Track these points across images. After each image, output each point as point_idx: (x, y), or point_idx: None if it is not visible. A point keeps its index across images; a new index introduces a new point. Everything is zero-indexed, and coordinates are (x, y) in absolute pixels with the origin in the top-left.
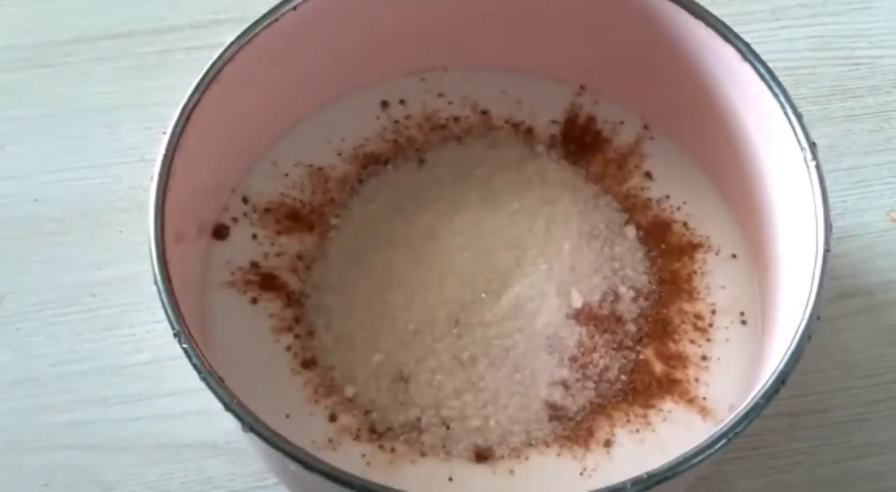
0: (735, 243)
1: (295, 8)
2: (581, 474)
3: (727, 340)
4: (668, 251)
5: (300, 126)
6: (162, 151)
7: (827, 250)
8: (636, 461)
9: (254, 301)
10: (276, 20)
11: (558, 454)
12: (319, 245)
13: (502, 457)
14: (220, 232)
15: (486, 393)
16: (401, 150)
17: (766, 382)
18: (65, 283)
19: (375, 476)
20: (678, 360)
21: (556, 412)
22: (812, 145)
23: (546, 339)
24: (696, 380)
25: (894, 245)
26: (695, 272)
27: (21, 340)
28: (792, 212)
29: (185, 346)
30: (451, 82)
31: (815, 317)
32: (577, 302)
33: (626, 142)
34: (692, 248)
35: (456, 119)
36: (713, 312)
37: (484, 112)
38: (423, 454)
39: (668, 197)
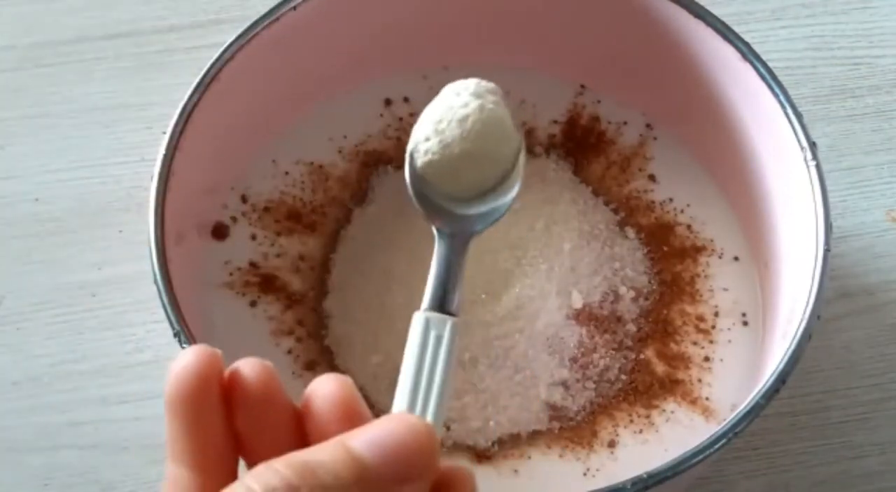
0: (738, 246)
1: (295, 8)
2: (585, 474)
3: (729, 342)
4: (671, 253)
5: (301, 124)
6: (162, 151)
7: (827, 250)
8: (639, 462)
9: (253, 304)
10: (276, 20)
11: (560, 455)
12: (322, 247)
13: (504, 457)
14: (219, 231)
15: (486, 394)
16: (403, 148)
17: (767, 381)
18: (65, 283)
19: None
20: (680, 360)
21: (556, 413)
22: (812, 145)
23: (546, 339)
24: (699, 381)
25: (894, 245)
26: (698, 275)
27: (21, 340)
28: (792, 212)
29: (185, 346)
30: (453, 80)
31: (816, 317)
32: (578, 302)
33: (630, 143)
34: (696, 251)
35: None
36: (716, 314)
37: None
38: None
39: (671, 199)
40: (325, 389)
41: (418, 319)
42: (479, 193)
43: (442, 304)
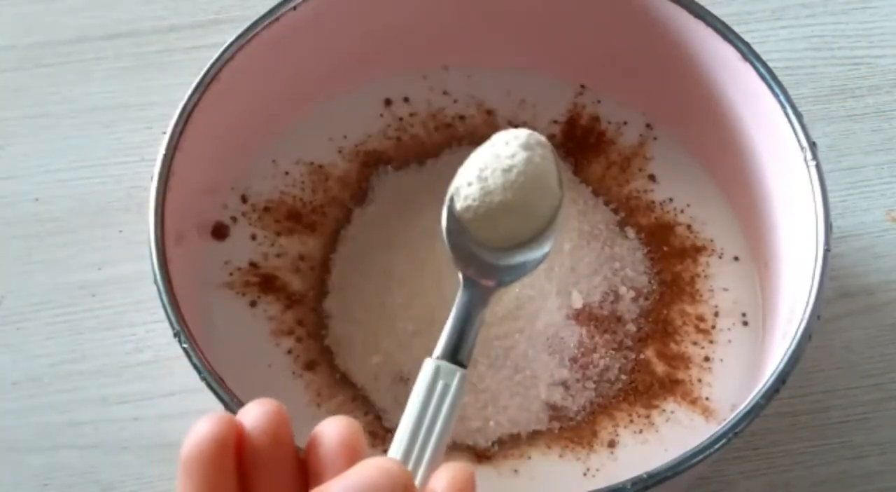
0: (738, 246)
1: (295, 8)
2: (585, 474)
3: (729, 342)
4: (671, 253)
5: (301, 124)
6: (162, 151)
7: (827, 250)
8: (639, 462)
9: (253, 304)
10: (276, 20)
11: (560, 455)
12: (322, 247)
13: (504, 457)
14: (219, 231)
15: (486, 394)
16: (403, 148)
17: (767, 381)
18: (65, 283)
19: None
20: (680, 360)
21: (556, 413)
22: (812, 145)
23: (546, 339)
24: (699, 381)
25: (894, 245)
26: (698, 275)
27: (21, 340)
28: (792, 212)
29: (185, 346)
30: (454, 81)
31: (816, 317)
32: (578, 302)
33: (630, 143)
34: (696, 251)
35: (461, 117)
36: (716, 314)
37: (489, 112)
38: None
39: (671, 199)
40: (331, 429)
41: (429, 366)
42: (513, 245)
43: (454, 354)
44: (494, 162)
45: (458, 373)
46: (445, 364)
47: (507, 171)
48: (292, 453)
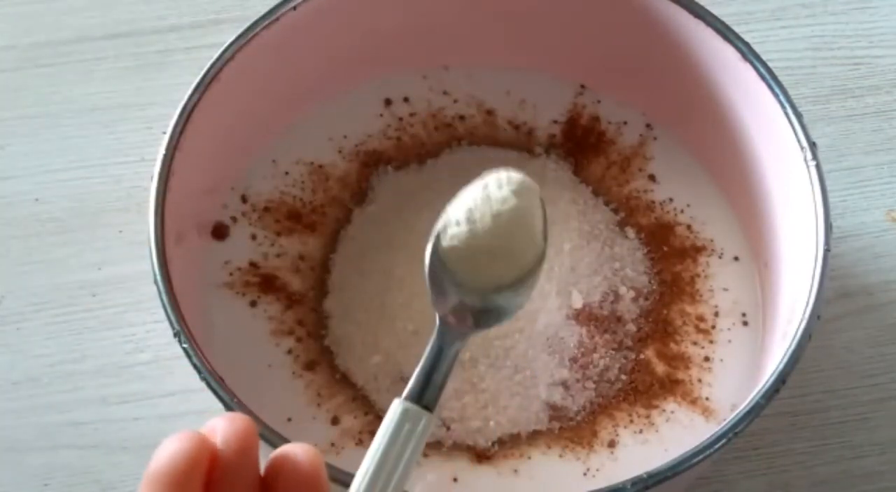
0: (738, 246)
1: (295, 8)
2: (585, 474)
3: (729, 342)
4: (671, 253)
5: (301, 124)
6: (162, 151)
7: (827, 250)
8: (639, 462)
9: (253, 304)
10: (276, 20)
11: (560, 455)
12: (322, 247)
13: (504, 457)
14: (219, 232)
15: (486, 394)
16: (403, 148)
17: (767, 381)
18: (65, 283)
19: None
20: (680, 360)
21: (556, 413)
22: (812, 145)
23: (546, 339)
24: (699, 381)
25: (894, 245)
26: (698, 275)
27: (21, 340)
28: (792, 211)
29: (185, 346)
30: (453, 80)
31: (816, 317)
32: (578, 302)
33: (630, 143)
34: (696, 251)
35: (461, 117)
36: (716, 314)
37: (489, 111)
38: (426, 455)
39: (671, 199)
40: (303, 455)
41: (396, 407)
42: (493, 289)
43: (421, 397)
44: (485, 205)
45: (424, 418)
46: (414, 407)
47: (496, 216)
48: (257, 470)
